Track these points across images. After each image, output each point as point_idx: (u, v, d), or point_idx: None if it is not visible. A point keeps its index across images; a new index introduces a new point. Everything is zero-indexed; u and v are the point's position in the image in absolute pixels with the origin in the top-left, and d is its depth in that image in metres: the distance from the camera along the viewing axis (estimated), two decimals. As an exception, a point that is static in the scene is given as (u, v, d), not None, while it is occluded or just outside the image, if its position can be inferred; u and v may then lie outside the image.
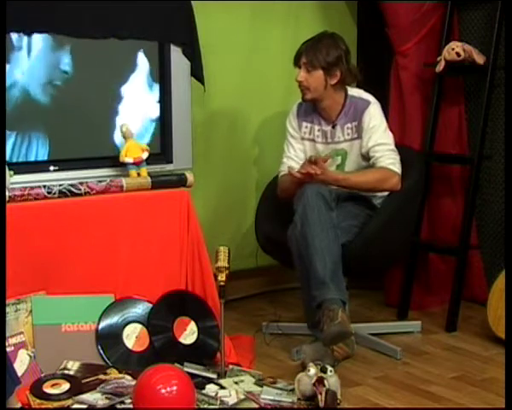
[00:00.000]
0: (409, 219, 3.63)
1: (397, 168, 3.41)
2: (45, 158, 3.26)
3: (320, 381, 2.79)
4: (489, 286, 3.71)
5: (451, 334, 3.70)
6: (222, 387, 2.94)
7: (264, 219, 3.67)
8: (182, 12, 3.47)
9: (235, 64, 4.17)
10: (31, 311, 3.02)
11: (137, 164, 3.33)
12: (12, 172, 2.98)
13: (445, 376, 3.19)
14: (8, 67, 3.09)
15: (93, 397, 2.80)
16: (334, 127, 3.52)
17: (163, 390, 2.55)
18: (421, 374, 3.20)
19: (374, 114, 3.45)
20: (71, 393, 2.82)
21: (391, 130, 3.51)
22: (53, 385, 2.85)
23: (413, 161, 3.58)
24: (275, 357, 3.39)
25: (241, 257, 3.97)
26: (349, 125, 3.49)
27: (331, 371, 2.85)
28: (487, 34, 3.91)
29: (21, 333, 2.98)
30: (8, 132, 3.11)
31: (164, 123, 3.49)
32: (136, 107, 3.43)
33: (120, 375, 2.98)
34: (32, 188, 3.09)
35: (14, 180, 3.02)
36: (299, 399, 2.86)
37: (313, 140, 3.57)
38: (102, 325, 3.12)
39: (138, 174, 3.34)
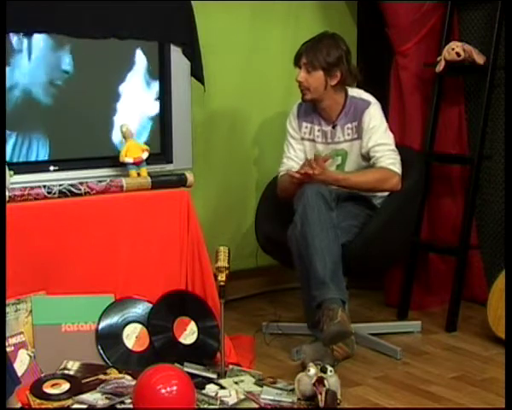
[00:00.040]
0: (409, 219, 3.63)
1: (397, 168, 3.41)
2: (45, 158, 3.26)
3: (320, 381, 2.79)
4: (489, 286, 3.71)
5: (451, 334, 3.70)
6: (222, 387, 2.94)
7: (264, 219, 3.67)
8: (182, 12, 3.47)
9: (235, 64, 4.17)
10: (31, 311, 3.02)
11: (137, 164, 3.33)
12: (12, 172, 2.98)
13: (445, 376, 3.19)
14: (8, 67, 3.09)
15: (93, 397, 2.80)
16: (334, 127, 3.52)
17: (163, 390, 2.55)
18: (421, 374, 3.20)
19: (374, 115, 3.45)
20: (71, 393, 2.82)
21: (391, 130, 3.51)
22: (53, 385, 2.85)
23: (413, 161, 3.58)
24: (275, 357, 3.39)
25: (241, 257, 3.97)
26: (349, 125, 3.49)
27: (331, 371, 2.85)
28: (487, 34, 3.91)
29: (21, 333, 2.98)
30: (8, 132, 3.11)
31: (164, 123, 3.49)
32: (135, 105, 3.42)
33: (120, 375, 2.98)
34: (32, 188, 3.09)
35: (14, 180, 3.02)
36: (299, 399, 2.86)
37: (313, 140, 3.57)
38: (102, 325, 3.12)
39: (138, 174, 3.34)
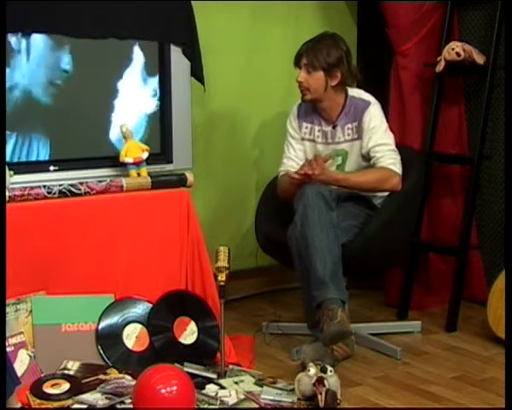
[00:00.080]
0: (409, 219, 3.63)
1: (397, 168, 3.41)
2: (45, 158, 3.26)
3: (320, 381, 2.79)
4: (489, 286, 3.71)
5: (451, 334, 3.70)
6: (222, 387, 2.94)
7: (264, 219, 3.67)
8: (182, 12, 3.47)
9: (235, 64, 4.17)
10: (31, 311, 3.02)
11: (137, 164, 3.33)
12: (12, 172, 2.98)
13: (445, 376, 3.19)
14: (8, 68, 3.09)
15: (93, 397, 2.80)
16: (334, 128, 3.52)
17: (163, 390, 2.55)
18: (421, 374, 3.20)
19: (374, 115, 3.45)
20: (71, 393, 2.82)
21: (391, 130, 3.51)
22: (53, 385, 2.85)
23: (413, 161, 3.58)
24: (275, 357, 3.39)
25: (241, 257, 3.97)
26: (349, 125, 3.49)
27: (331, 371, 2.85)
28: (487, 34, 3.91)
29: (21, 333, 2.98)
30: (8, 133, 3.11)
31: (164, 123, 3.49)
32: (133, 102, 3.42)
33: (120, 375, 2.98)
34: (32, 188, 3.09)
35: (14, 180, 3.02)
36: (299, 399, 2.86)
37: (313, 140, 3.57)
38: (102, 325, 3.12)
39: (138, 174, 3.34)
